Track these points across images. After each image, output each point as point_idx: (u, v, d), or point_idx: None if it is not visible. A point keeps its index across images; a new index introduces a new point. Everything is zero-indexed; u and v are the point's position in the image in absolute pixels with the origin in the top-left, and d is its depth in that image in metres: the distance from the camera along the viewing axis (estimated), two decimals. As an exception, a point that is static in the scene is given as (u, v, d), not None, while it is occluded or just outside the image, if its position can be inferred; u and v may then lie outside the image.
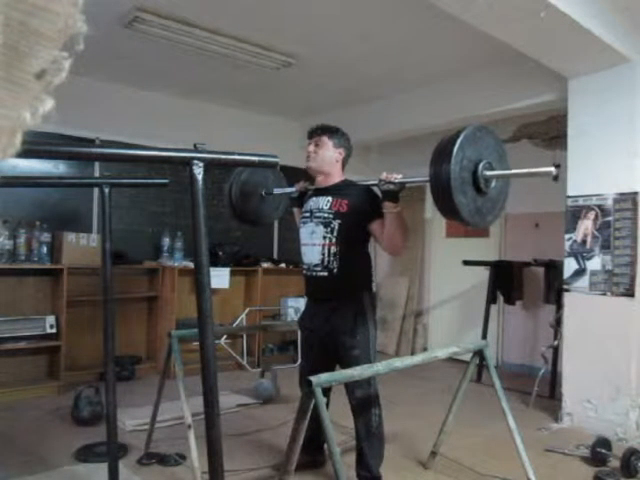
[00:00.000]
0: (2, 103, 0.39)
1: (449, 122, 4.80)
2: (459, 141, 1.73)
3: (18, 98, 0.39)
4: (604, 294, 3.47)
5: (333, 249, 2.34)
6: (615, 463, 2.84)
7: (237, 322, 5.09)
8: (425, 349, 5.86)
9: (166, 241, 4.91)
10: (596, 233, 3.53)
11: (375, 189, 2.35)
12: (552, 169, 1.79)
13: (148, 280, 4.88)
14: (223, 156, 1.41)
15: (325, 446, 2.47)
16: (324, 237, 2.36)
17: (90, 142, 4.45)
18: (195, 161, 1.30)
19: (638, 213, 3.36)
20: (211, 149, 1.36)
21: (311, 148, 2.46)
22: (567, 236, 3.68)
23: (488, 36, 3.08)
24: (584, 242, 3.59)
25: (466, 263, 5.04)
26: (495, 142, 1.93)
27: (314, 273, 2.40)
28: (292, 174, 5.89)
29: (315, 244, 2.39)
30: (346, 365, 2.29)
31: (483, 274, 4.95)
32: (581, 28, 2.90)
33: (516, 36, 3.08)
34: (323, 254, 2.36)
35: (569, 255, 3.66)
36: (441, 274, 6.02)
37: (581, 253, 3.60)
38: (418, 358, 2.54)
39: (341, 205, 2.36)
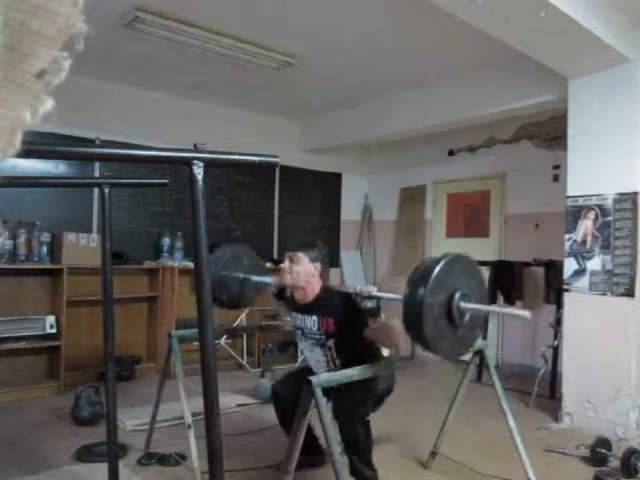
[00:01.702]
0: (2, 103, 0.39)
1: (449, 122, 4.81)
2: (438, 267, 1.73)
3: (18, 98, 0.39)
4: (604, 294, 3.47)
5: (337, 361, 2.43)
6: (615, 463, 2.84)
7: (237, 322, 5.09)
8: (425, 349, 5.85)
9: (166, 241, 4.91)
10: (596, 233, 3.53)
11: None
12: (527, 314, 1.75)
13: (148, 280, 4.88)
14: (223, 156, 1.41)
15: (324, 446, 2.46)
16: (325, 355, 2.45)
17: (90, 142, 4.45)
18: (195, 161, 1.30)
19: (638, 213, 3.36)
20: (211, 149, 1.36)
21: (286, 264, 2.48)
22: (567, 236, 3.68)
23: (488, 36, 3.08)
24: (584, 242, 3.59)
25: (466, 263, 5.03)
26: (470, 269, 1.96)
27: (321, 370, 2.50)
28: (292, 174, 5.93)
29: (319, 360, 2.48)
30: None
31: (483, 274, 4.94)
32: (581, 28, 2.90)
33: (516, 36, 3.08)
34: (329, 367, 2.45)
35: (569, 255, 3.66)
36: (441, 274, 6.01)
37: (581, 253, 3.60)
38: (418, 358, 2.54)
39: (328, 324, 2.40)
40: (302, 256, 2.46)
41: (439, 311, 1.72)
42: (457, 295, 1.74)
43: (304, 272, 2.45)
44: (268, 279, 2.75)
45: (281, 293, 2.71)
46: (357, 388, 2.29)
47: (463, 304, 1.76)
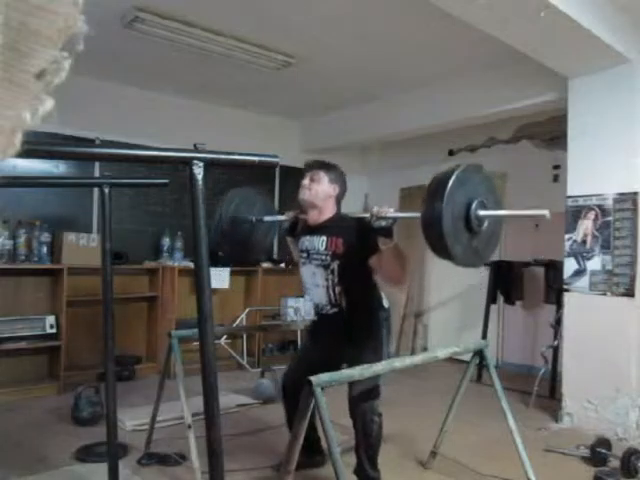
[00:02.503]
0: (2, 103, 0.39)
1: (449, 122, 4.81)
2: (451, 183, 1.72)
3: (18, 98, 0.39)
4: (604, 294, 3.47)
5: (338, 289, 2.37)
6: (615, 463, 2.84)
7: (237, 322, 5.09)
8: (425, 349, 5.86)
9: (166, 241, 4.91)
10: (596, 233, 3.53)
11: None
12: (546, 212, 1.73)
13: (148, 280, 4.88)
14: (223, 156, 1.41)
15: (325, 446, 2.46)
16: (326, 279, 2.38)
17: (90, 142, 4.45)
18: (195, 161, 1.30)
19: (638, 213, 3.36)
20: (211, 149, 1.36)
21: (306, 181, 2.44)
22: (567, 236, 3.68)
23: (488, 36, 3.08)
24: (584, 242, 3.59)
25: (466, 263, 5.03)
26: (485, 180, 1.93)
27: (324, 311, 2.43)
28: (292, 174, 5.92)
29: (319, 285, 2.41)
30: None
31: (483, 274, 4.95)
32: (581, 28, 2.90)
33: (516, 36, 3.09)
34: (329, 295, 2.39)
35: (569, 255, 3.66)
36: (441, 274, 6.01)
37: (581, 253, 3.60)
38: (418, 358, 2.54)
39: (337, 245, 2.35)
40: (323, 175, 2.42)
41: (458, 221, 1.73)
42: (475, 203, 1.76)
43: (322, 191, 2.40)
44: (281, 216, 2.68)
45: (293, 228, 2.62)
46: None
47: (481, 211, 1.77)
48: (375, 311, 2.45)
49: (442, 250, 1.70)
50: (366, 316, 2.42)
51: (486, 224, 1.81)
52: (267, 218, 2.71)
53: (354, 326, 2.41)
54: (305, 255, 2.46)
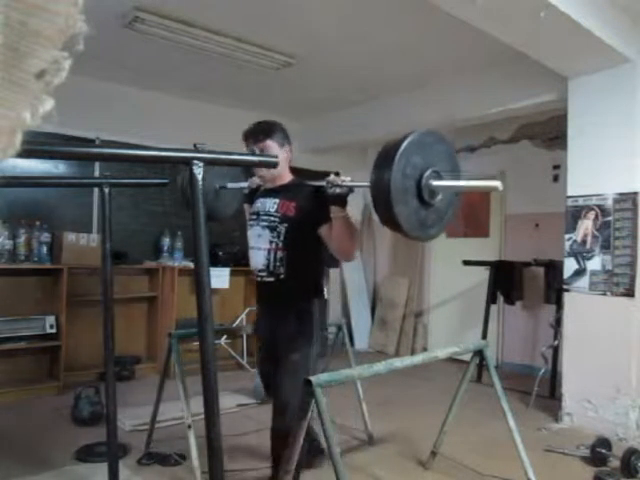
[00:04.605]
0: (2, 103, 0.39)
1: (449, 122, 4.81)
2: (403, 146, 1.58)
3: (18, 98, 0.39)
4: (604, 294, 3.47)
5: (279, 254, 2.22)
6: (615, 463, 2.84)
7: (237, 322, 5.09)
8: (425, 349, 5.86)
9: (166, 241, 4.91)
10: (596, 233, 3.53)
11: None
12: (498, 183, 1.59)
13: (148, 280, 4.88)
14: (223, 156, 1.41)
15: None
16: (270, 241, 2.23)
17: (90, 142, 4.45)
18: (195, 161, 1.30)
19: (638, 213, 3.36)
20: (211, 149, 1.36)
21: None
22: (567, 236, 3.68)
23: (488, 36, 3.08)
24: (584, 242, 3.59)
25: (466, 263, 5.04)
26: (447, 149, 1.76)
27: (260, 278, 2.29)
28: (292, 173, 5.91)
29: (261, 248, 2.26)
30: (283, 370, 2.21)
31: (483, 274, 4.95)
32: (581, 28, 2.90)
33: (516, 36, 3.09)
34: (268, 259, 2.23)
35: (569, 255, 3.66)
36: (441, 274, 6.02)
37: (581, 253, 3.60)
38: (418, 358, 2.54)
39: (288, 208, 2.23)
40: (271, 144, 2.26)
41: (408, 190, 1.59)
42: (428, 172, 1.61)
43: (281, 161, 2.20)
44: (244, 184, 2.53)
45: (253, 194, 2.45)
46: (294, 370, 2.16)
47: (434, 182, 1.63)
48: (311, 293, 2.28)
49: (390, 220, 1.58)
50: (301, 295, 2.25)
51: (440, 197, 1.66)
52: (230, 185, 2.58)
53: (287, 304, 2.25)
54: (255, 217, 2.33)
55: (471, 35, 3.33)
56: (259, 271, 2.27)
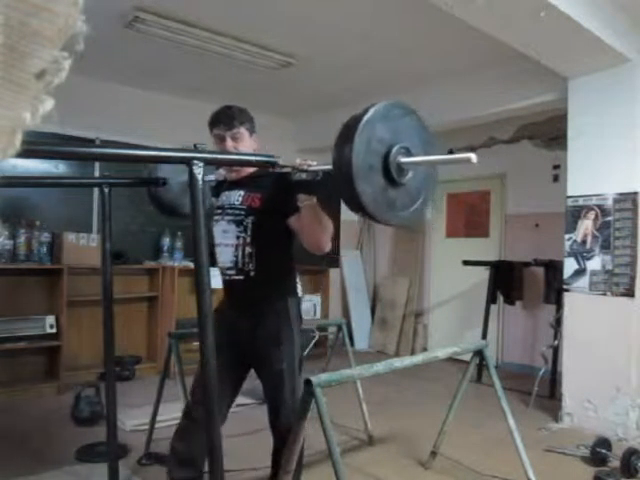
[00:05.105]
0: (2, 103, 0.39)
1: (449, 122, 4.81)
2: (366, 117, 1.41)
3: (18, 98, 0.39)
4: (604, 294, 3.47)
5: (248, 249, 2.05)
6: (615, 463, 2.84)
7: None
8: (425, 349, 5.86)
9: (166, 241, 4.91)
10: (596, 233, 3.53)
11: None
12: (472, 155, 1.37)
13: (148, 280, 4.88)
14: (222, 156, 1.41)
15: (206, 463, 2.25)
16: (237, 237, 2.07)
17: (90, 142, 4.45)
18: (195, 161, 1.30)
19: (638, 213, 3.36)
20: (211, 149, 1.36)
21: (229, 144, 2.06)
22: (567, 236, 3.68)
23: (488, 36, 3.08)
24: (584, 242, 3.59)
25: (466, 263, 5.04)
26: (418, 124, 1.57)
27: (228, 277, 2.11)
28: (292, 174, 5.91)
29: (228, 244, 2.10)
30: (269, 380, 2.10)
31: (483, 274, 4.95)
32: (581, 28, 2.90)
33: (516, 36, 3.08)
34: (236, 255, 2.07)
35: (569, 255, 3.66)
36: (441, 274, 6.02)
37: (581, 253, 3.60)
38: (418, 358, 2.54)
39: (253, 199, 2.05)
40: (244, 131, 2.10)
41: (373, 168, 1.43)
42: (396, 148, 1.44)
43: (250, 150, 2.11)
44: (211, 176, 2.31)
45: (219, 186, 2.26)
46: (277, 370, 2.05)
47: (402, 158, 1.46)
48: (285, 291, 2.12)
49: (352, 201, 1.41)
50: (274, 293, 2.09)
51: (410, 175, 1.49)
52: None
53: (261, 303, 2.09)
54: (220, 212, 2.15)
55: (471, 35, 3.33)
56: (227, 269, 2.10)
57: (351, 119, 1.44)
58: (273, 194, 2.01)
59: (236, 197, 2.09)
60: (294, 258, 2.18)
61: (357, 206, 1.41)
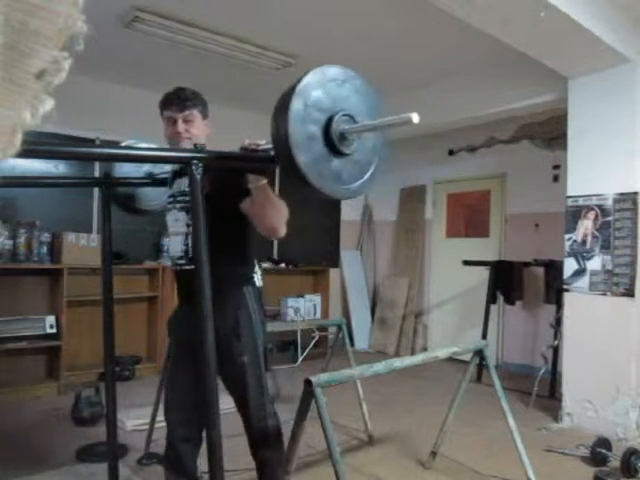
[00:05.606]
0: (2, 103, 0.39)
1: (449, 122, 4.82)
2: (302, 84, 1.31)
3: (18, 98, 0.39)
4: (604, 294, 3.47)
5: None
6: (615, 463, 2.84)
7: (237, 322, 5.09)
8: (425, 349, 5.86)
9: (166, 241, 4.91)
10: (596, 233, 3.53)
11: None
12: (413, 115, 1.23)
13: (148, 280, 4.88)
14: (222, 156, 1.41)
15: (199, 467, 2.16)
16: (187, 224, 1.96)
17: (90, 142, 4.45)
18: (195, 161, 1.30)
19: (638, 213, 3.36)
20: (211, 149, 1.36)
21: (181, 127, 2.00)
22: (567, 236, 3.68)
23: (488, 36, 3.08)
24: (584, 242, 3.59)
25: (466, 263, 5.04)
26: (363, 90, 1.49)
27: (179, 267, 2.00)
28: (292, 174, 5.91)
29: (178, 233, 2.00)
30: (231, 375, 1.98)
31: (483, 274, 4.95)
32: (581, 28, 2.90)
33: (516, 36, 3.08)
34: (186, 244, 1.96)
35: (569, 255, 3.66)
36: (441, 274, 6.02)
37: (581, 253, 3.60)
38: (418, 358, 2.54)
39: (203, 183, 1.96)
40: (198, 115, 2.06)
41: (314, 137, 1.33)
42: (338, 116, 1.34)
43: (201, 133, 2.03)
44: (167, 166, 2.23)
45: (175, 176, 2.15)
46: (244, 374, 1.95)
47: (345, 125, 1.36)
48: (241, 280, 2.03)
49: (294, 173, 1.30)
50: (229, 283, 1.97)
51: (355, 145, 1.40)
52: (157, 170, 2.28)
53: (215, 294, 1.75)
54: (172, 200, 2.07)
55: (472, 35, 3.33)
56: (177, 259, 2.00)
57: (288, 88, 1.34)
58: (224, 178, 1.90)
59: (186, 183, 1.94)
60: (253, 246, 2.10)
61: (300, 179, 1.31)
